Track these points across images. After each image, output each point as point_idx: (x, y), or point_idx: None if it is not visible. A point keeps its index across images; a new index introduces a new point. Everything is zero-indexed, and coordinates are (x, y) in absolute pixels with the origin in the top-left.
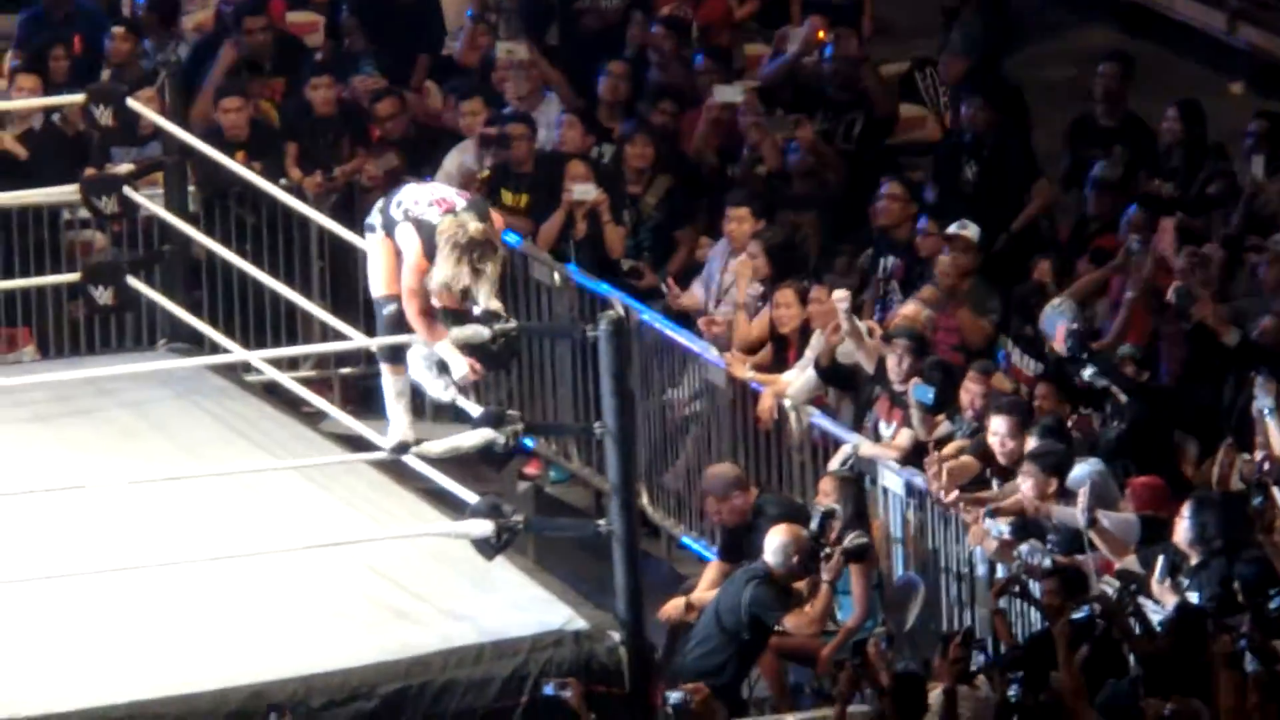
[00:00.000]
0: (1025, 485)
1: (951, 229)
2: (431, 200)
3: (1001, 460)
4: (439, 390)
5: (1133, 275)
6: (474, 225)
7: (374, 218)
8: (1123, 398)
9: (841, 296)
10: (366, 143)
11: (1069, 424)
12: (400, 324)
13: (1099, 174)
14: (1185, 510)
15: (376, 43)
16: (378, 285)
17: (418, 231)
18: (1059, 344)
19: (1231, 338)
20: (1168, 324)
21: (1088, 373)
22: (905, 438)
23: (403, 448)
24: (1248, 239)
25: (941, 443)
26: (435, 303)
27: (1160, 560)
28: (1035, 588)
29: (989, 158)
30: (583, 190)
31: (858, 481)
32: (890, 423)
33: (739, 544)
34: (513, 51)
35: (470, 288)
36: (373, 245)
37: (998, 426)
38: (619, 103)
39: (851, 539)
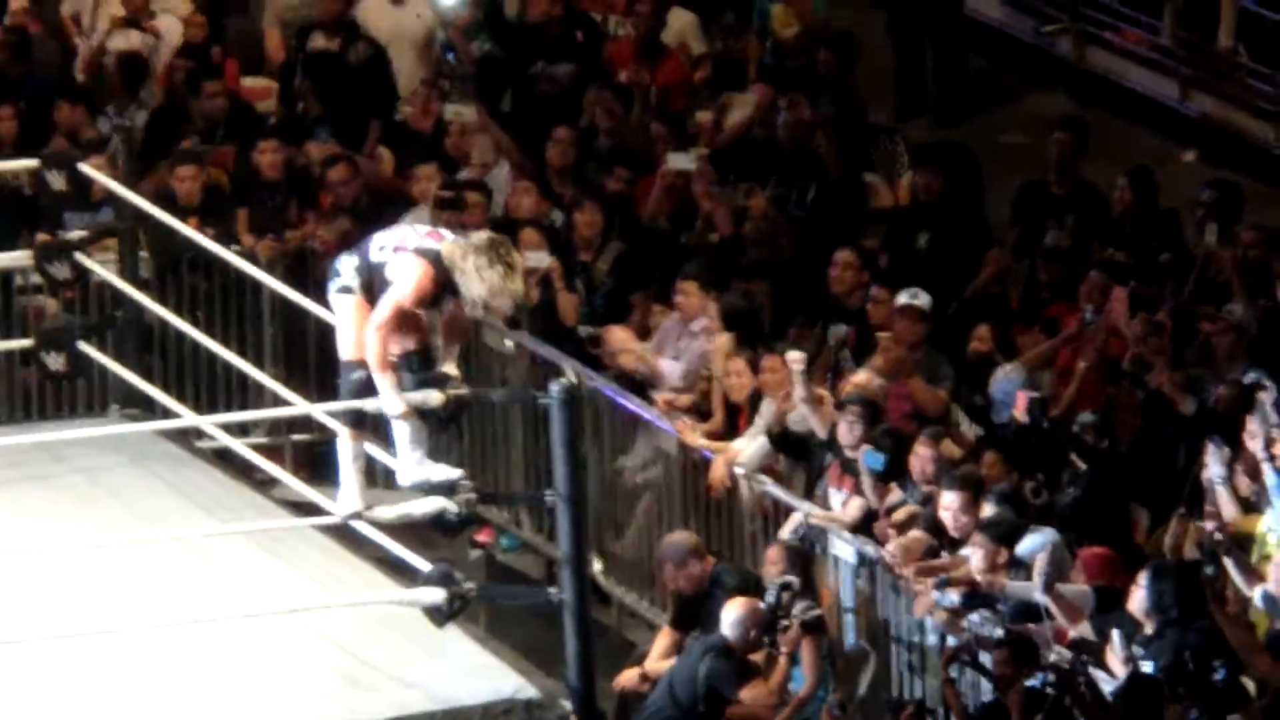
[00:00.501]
0: (975, 556)
1: (902, 298)
2: (424, 235)
3: (953, 533)
4: (409, 464)
5: (1086, 344)
6: (478, 235)
7: (348, 279)
8: (1081, 465)
9: (796, 358)
10: (315, 207)
11: (1025, 491)
12: (366, 390)
13: (1050, 242)
14: (1142, 578)
15: (329, 108)
16: (347, 349)
17: (425, 258)
18: (1020, 411)
19: (1188, 406)
20: (1122, 392)
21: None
22: (856, 506)
23: (355, 514)
24: (1200, 307)
25: (892, 510)
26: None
27: (1116, 632)
28: (986, 657)
29: (942, 225)
30: (536, 258)
31: (804, 551)
32: (841, 490)
33: (693, 613)
34: (460, 114)
35: (513, 289)
36: (345, 307)
37: (949, 501)
38: (568, 169)
39: (804, 609)
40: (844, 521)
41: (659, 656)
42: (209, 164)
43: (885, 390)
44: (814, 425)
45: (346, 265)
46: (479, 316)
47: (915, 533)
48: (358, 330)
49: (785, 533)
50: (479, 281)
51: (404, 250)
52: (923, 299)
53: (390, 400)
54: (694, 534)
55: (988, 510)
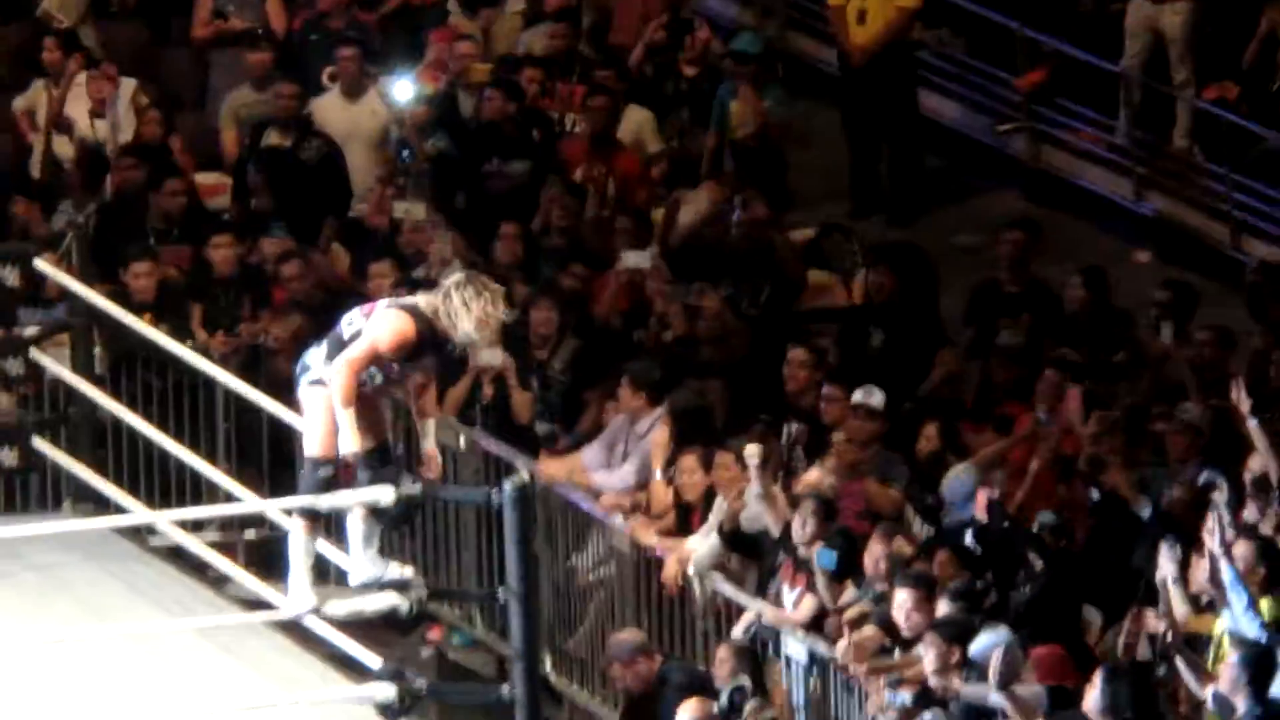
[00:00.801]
0: (928, 656)
1: (857, 396)
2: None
3: (906, 632)
4: (361, 563)
5: (1040, 444)
6: (452, 277)
7: (318, 372)
8: (1037, 564)
9: (753, 452)
10: (269, 304)
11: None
12: (328, 488)
13: (1004, 341)
14: (1097, 679)
15: (283, 204)
16: (314, 445)
17: (404, 309)
18: (980, 510)
19: (1143, 507)
20: (1074, 492)
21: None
22: (809, 605)
23: (307, 610)
24: (1154, 406)
25: (845, 609)
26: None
27: None
28: None
29: (895, 325)
30: (489, 356)
31: (755, 650)
32: (794, 588)
33: (643, 711)
34: (410, 212)
35: (499, 315)
36: (316, 401)
37: (902, 599)
38: (516, 265)
39: (754, 709)
40: (795, 621)
41: None
42: (166, 261)
43: (838, 489)
44: (768, 522)
45: (316, 358)
46: (471, 349)
47: (868, 630)
48: (327, 426)
49: (737, 631)
50: (467, 313)
51: (378, 310)
52: (877, 398)
53: (348, 439)
54: (641, 632)
55: (944, 607)
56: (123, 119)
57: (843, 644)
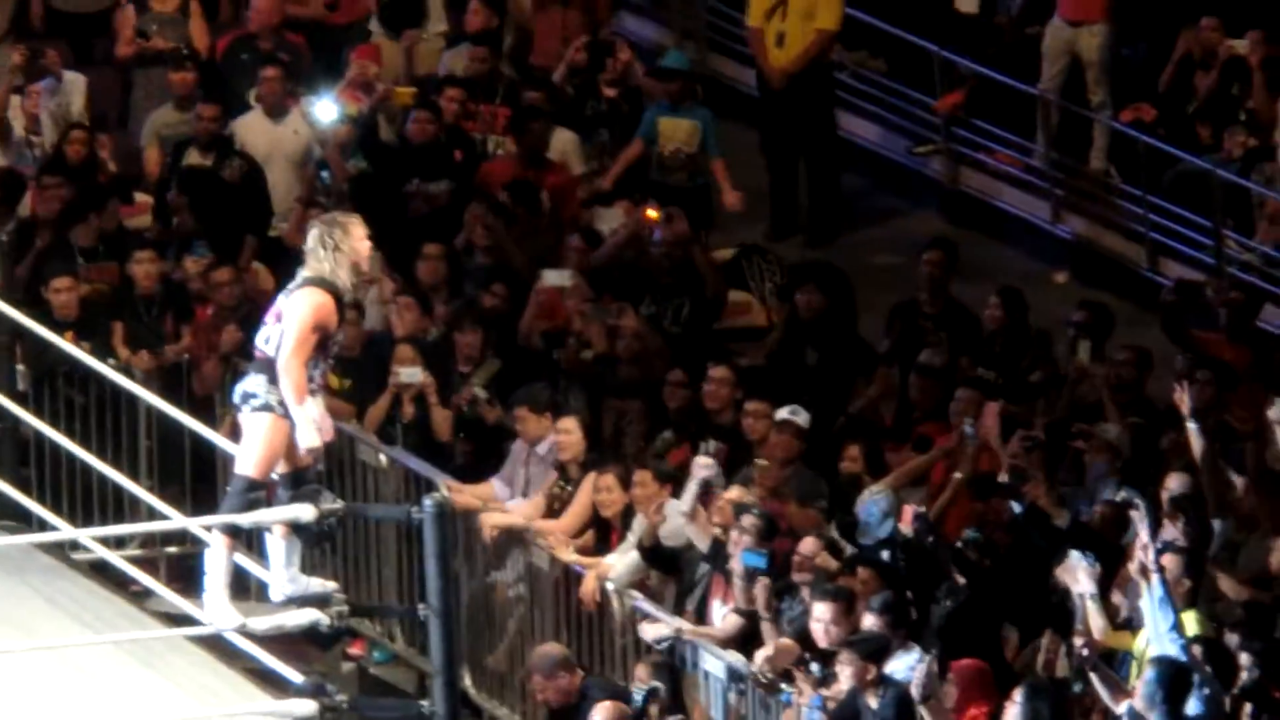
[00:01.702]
0: (844, 674)
1: (783, 413)
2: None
3: (823, 644)
4: (282, 579)
5: (963, 459)
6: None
7: (265, 396)
8: (960, 580)
9: (706, 463)
10: (191, 321)
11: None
12: (253, 509)
13: (923, 361)
14: (1017, 696)
15: (204, 223)
16: (249, 466)
17: (310, 286)
18: (905, 525)
19: (1063, 519)
20: (992, 509)
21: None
22: (733, 622)
23: (229, 626)
24: (1073, 425)
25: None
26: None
27: None
28: None
29: (825, 344)
30: (409, 374)
31: (673, 666)
32: (726, 603)
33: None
34: None
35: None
36: (260, 425)
37: (821, 612)
38: (440, 284)
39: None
40: (717, 636)
41: None
42: (93, 278)
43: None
44: (692, 536)
45: (258, 384)
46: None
47: (784, 642)
48: (266, 451)
49: (648, 636)
50: (344, 256)
51: (284, 305)
52: (803, 417)
53: (307, 434)
54: (563, 646)
55: (869, 620)
56: (71, 108)
57: (760, 655)
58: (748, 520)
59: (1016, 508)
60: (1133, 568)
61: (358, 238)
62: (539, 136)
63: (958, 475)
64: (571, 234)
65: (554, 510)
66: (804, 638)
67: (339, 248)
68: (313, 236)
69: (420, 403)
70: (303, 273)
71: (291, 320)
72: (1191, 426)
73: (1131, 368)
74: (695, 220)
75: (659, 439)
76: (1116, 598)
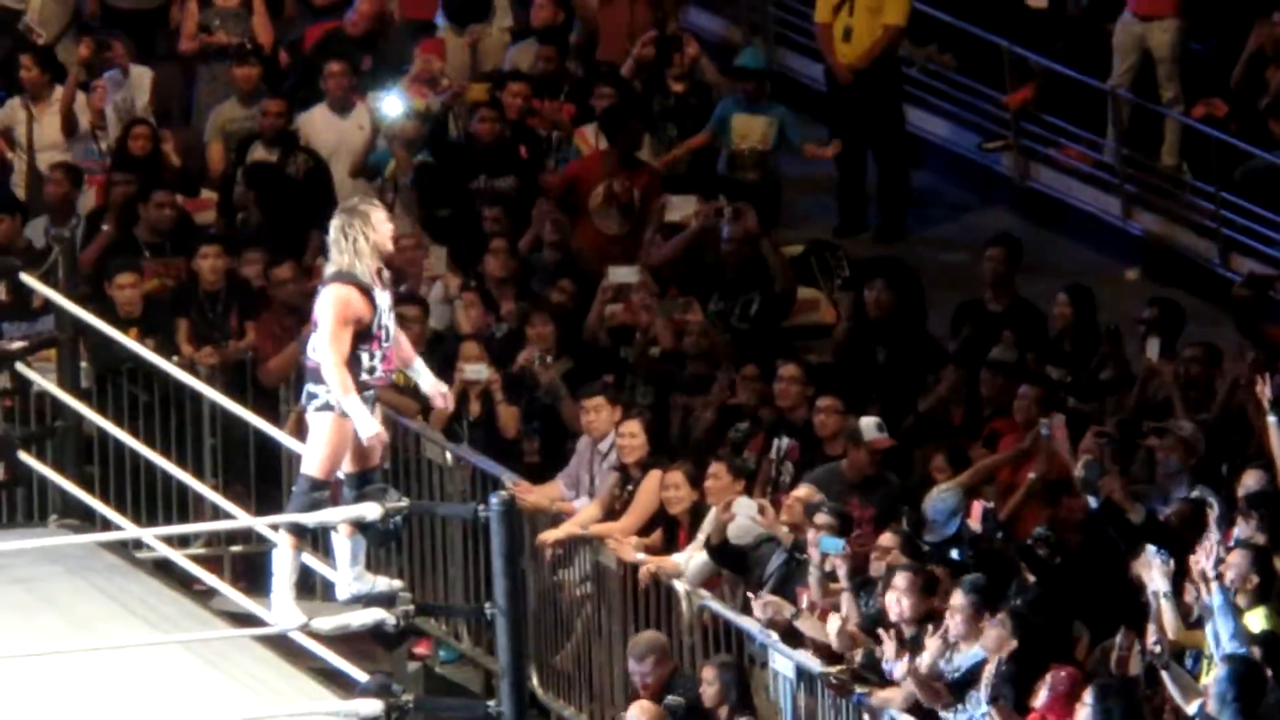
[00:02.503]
0: (954, 619)
1: (868, 430)
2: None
3: (896, 617)
4: (347, 578)
5: (1039, 458)
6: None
7: (324, 396)
8: (1030, 578)
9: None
10: (256, 318)
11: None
12: (318, 509)
13: (994, 357)
14: (1087, 697)
15: (269, 219)
16: (313, 466)
17: (331, 283)
18: (974, 521)
19: (1137, 515)
20: (1064, 509)
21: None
22: (698, 561)
23: (294, 626)
24: (1144, 423)
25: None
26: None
27: None
28: None
29: (895, 341)
30: (474, 370)
31: (739, 665)
32: (814, 610)
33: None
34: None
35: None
36: (322, 424)
37: (899, 581)
38: (509, 279)
39: None
40: (679, 566)
41: None
42: (161, 273)
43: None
44: (777, 533)
45: (317, 385)
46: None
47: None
48: (328, 450)
49: (757, 611)
50: (366, 245)
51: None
52: (884, 433)
53: (364, 423)
54: (662, 636)
55: (958, 598)
56: (136, 103)
57: (759, 602)
58: (821, 518)
59: (1092, 503)
60: (1195, 573)
61: (378, 222)
62: (634, 136)
63: (1031, 475)
64: (644, 228)
65: (615, 514)
66: (874, 630)
67: (359, 238)
68: (334, 228)
69: (486, 400)
70: (328, 268)
71: (320, 320)
72: (1272, 419)
73: (1201, 365)
74: (764, 218)
75: (734, 430)
76: (1190, 596)
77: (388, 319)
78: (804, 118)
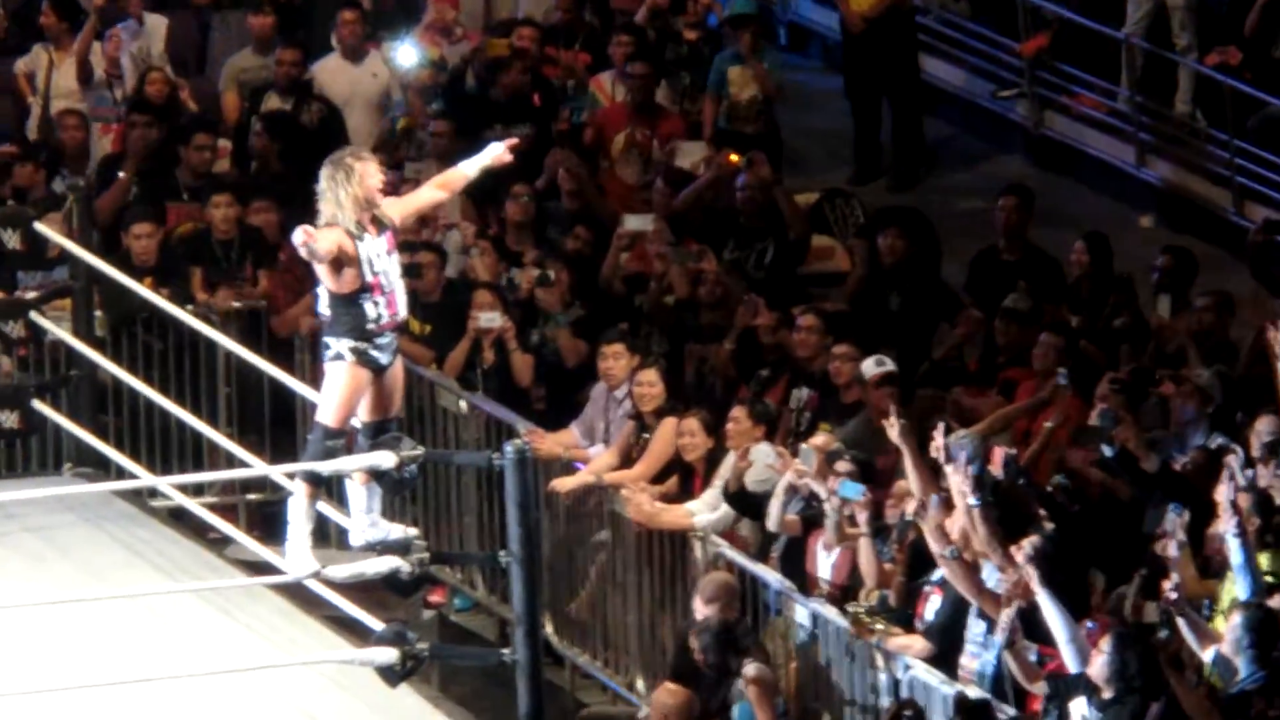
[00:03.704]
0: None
1: (869, 367)
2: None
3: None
4: (362, 525)
5: (1058, 406)
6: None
7: (338, 347)
8: (1049, 525)
9: (820, 443)
10: (270, 266)
11: None
12: (332, 457)
13: (1009, 305)
14: (1105, 645)
15: (284, 168)
16: (329, 415)
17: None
18: (995, 467)
19: (1151, 464)
20: (1080, 457)
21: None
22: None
23: (308, 573)
24: (1159, 371)
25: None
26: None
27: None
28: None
29: (909, 288)
30: (488, 318)
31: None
32: (830, 551)
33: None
34: (421, 173)
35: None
36: (336, 375)
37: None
38: (528, 224)
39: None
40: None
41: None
42: (197, 217)
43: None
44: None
45: (329, 337)
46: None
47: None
48: (342, 399)
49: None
50: (346, 196)
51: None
52: (889, 365)
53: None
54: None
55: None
56: (151, 51)
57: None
58: (842, 465)
59: (1107, 451)
60: (1219, 525)
61: (365, 177)
62: (646, 81)
63: (1048, 424)
64: (655, 176)
65: (631, 462)
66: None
67: (341, 191)
68: (323, 177)
69: (500, 348)
70: (320, 217)
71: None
72: None
73: (1214, 314)
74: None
75: (754, 377)
76: (1207, 546)
77: (384, 264)
78: (819, 68)
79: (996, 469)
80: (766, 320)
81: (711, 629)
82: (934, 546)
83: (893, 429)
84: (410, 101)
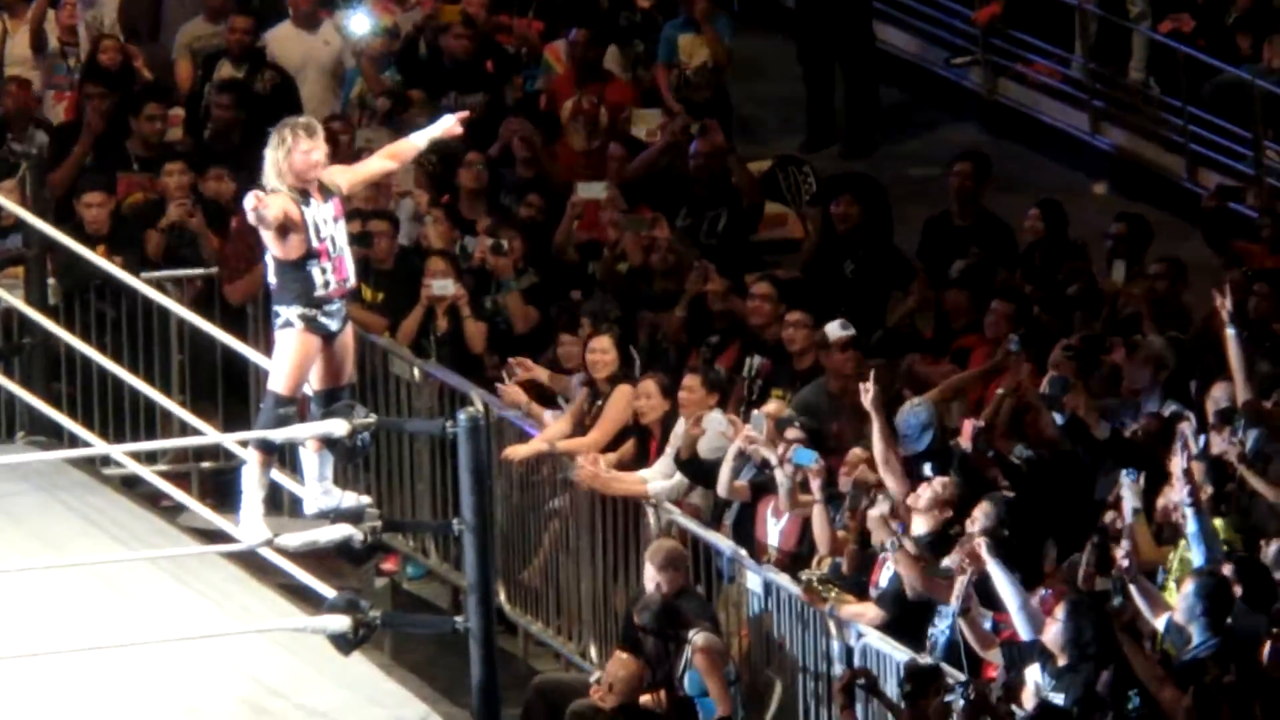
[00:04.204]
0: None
1: (834, 331)
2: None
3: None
4: (315, 493)
5: (1011, 372)
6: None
7: (287, 314)
8: (1009, 494)
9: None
10: (223, 234)
11: None
12: (285, 424)
13: (955, 273)
14: (1059, 612)
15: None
16: (279, 383)
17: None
18: (965, 439)
19: (1102, 431)
20: (1039, 427)
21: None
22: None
23: (261, 541)
24: (1110, 338)
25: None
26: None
27: (1037, 666)
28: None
29: (863, 255)
30: (441, 286)
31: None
32: (778, 517)
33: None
34: (373, 141)
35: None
36: (285, 342)
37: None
38: (481, 192)
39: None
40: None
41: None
42: (147, 187)
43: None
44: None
45: (278, 304)
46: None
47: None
48: (292, 366)
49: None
50: (273, 164)
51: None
52: (850, 330)
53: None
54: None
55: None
56: (105, 20)
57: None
58: (793, 432)
59: (1059, 419)
60: (1173, 495)
61: (299, 151)
62: (590, 47)
63: (1000, 391)
64: (610, 141)
65: (585, 429)
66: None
67: (278, 160)
68: (270, 142)
69: (454, 316)
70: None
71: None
72: (1230, 332)
73: (1167, 280)
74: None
75: (705, 345)
76: (1159, 513)
77: (331, 230)
78: (773, 34)
79: (966, 441)
80: (716, 286)
81: (652, 608)
82: (877, 538)
83: (866, 395)
84: (363, 69)
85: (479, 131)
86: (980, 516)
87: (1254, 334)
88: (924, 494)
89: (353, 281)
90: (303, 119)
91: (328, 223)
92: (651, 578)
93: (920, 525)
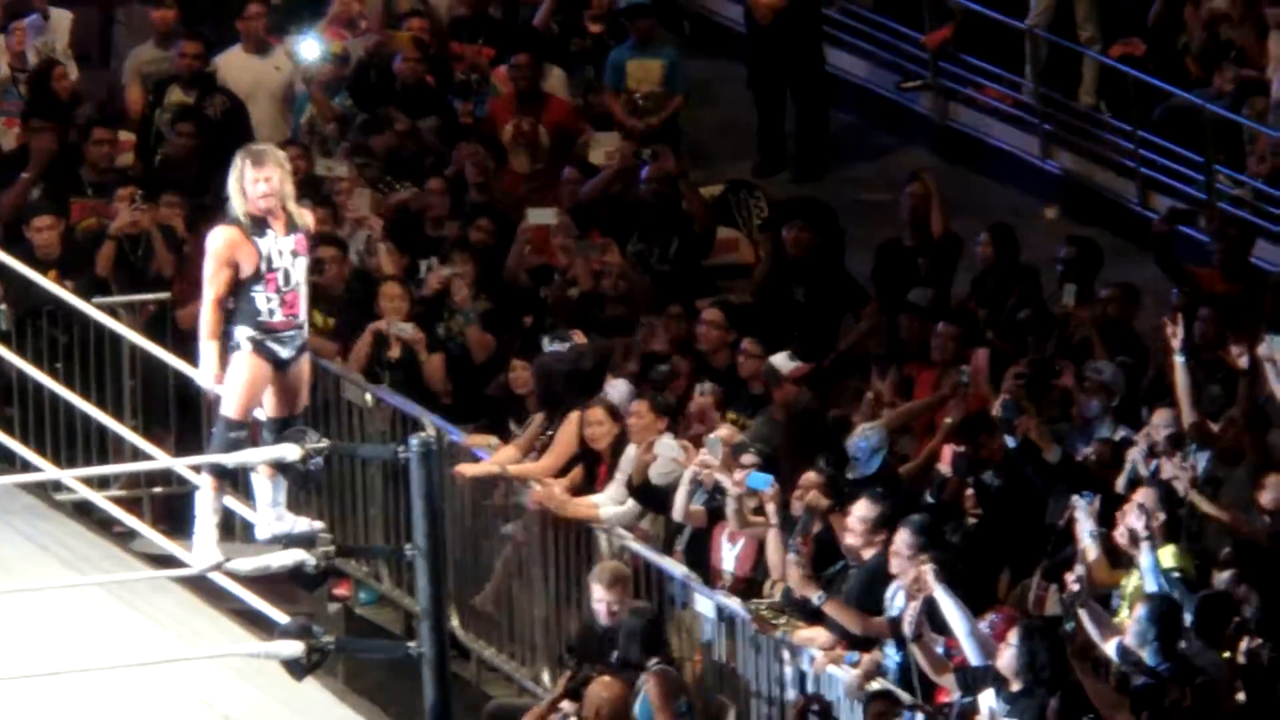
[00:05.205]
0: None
1: (780, 363)
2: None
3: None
4: (268, 518)
5: (956, 403)
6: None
7: (237, 337)
8: (969, 520)
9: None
10: (176, 259)
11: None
12: (237, 449)
13: (912, 299)
14: (1012, 637)
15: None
16: (231, 407)
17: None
18: (945, 466)
19: (1053, 454)
20: (983, 450)
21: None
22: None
23: (213, 566)
24: (1060, 363)
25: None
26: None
27: (991, 692)
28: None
29: (814, 280)
30: (400, 329)
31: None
32: (734, 543)
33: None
34: (332, 169)
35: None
36: (236, 366)
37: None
38: (443, 218)
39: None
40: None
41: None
42: (101, 212)
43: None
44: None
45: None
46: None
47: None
48: (243, 391)
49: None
50: (235, 191)
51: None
52: (796, 363)
53: (205, 370)
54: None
55: (903, 535)
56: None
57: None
58: (748, 457)
59: (1010, 443)
60: (1126, 524)
61: (250, 180)
62: (529, 71)
63: (948, 420)
64: (565, 166)
65: (536, 455)
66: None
67: (234, 184)
68: (230, 169)
69: (409, 350)
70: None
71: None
72: (1179, 360)
73: (1119, 305)
74: None
75: (655, 370)
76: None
77: (284, 261)
78: (723, 59)
79: (946, 467)
80: (614, 259)
81: (637, 631)
82: (803, 595)
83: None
84: (313, 95)
85: (438, 158)
86: (901, 545)
87: (1199, 359)
88: (856, 526)
89: (302, 319)
90: (256, 146)
91: (283, 254)
92: (600, 598)
93: (868, 555)
